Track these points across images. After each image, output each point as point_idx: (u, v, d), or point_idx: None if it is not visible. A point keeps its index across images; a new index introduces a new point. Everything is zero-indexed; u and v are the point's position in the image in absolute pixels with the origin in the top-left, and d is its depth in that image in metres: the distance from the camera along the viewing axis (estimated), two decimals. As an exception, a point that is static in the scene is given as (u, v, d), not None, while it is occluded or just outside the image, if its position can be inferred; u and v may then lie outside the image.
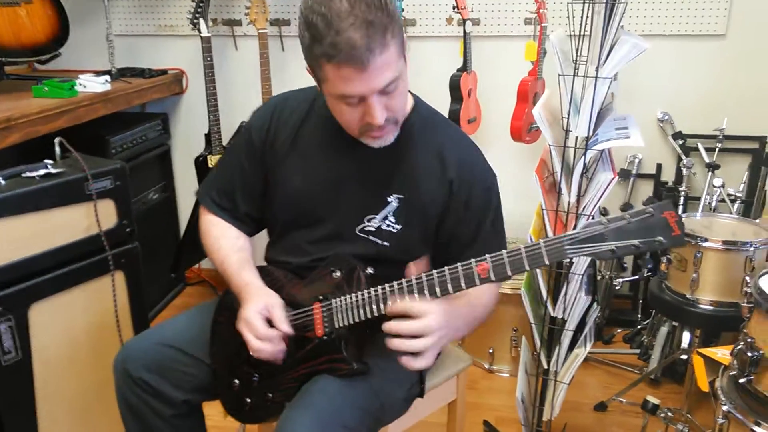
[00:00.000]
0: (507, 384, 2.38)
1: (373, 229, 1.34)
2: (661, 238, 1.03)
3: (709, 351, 1.54)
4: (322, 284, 1.31)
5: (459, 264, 1.15)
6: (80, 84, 2.26)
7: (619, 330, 2.68)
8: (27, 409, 1.65)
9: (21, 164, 1.69)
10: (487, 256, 1.12)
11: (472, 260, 1.13)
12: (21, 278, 1.61)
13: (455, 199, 1.34)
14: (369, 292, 1.23)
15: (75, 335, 1.75)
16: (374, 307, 1.22)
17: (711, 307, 1.93)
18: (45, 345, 1.67)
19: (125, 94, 2.44)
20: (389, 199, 1.33)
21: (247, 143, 1.41)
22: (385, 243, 1.34)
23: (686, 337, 2.21)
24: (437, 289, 1.16)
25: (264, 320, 1.27)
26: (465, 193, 1.33)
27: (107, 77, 2.36)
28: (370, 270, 1.29)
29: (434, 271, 1.17)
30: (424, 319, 1.15)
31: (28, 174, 1.67)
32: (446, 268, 1.16)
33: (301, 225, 1.40)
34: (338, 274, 1.29)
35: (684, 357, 2.17)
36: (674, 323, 2.32)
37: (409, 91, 1.32)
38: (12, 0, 2.21)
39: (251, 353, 1.27)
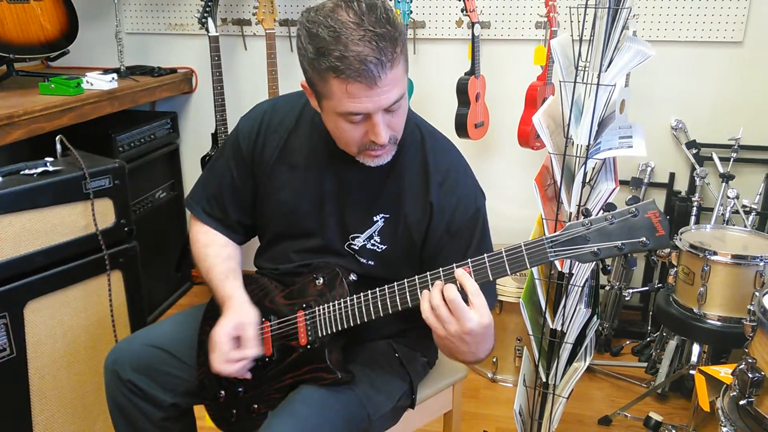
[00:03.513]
0: (510, 394, 2.34)
1: (357, 247, 1.32)
2: (644, 238, 0.99)
3: (712, 369, 1.49)
4: (305, 292, 1.29)
5: (441, 269, 1.12)
6: (87, 81, 2.27)
7: (628, 342, 2.63)
8: (21, 407, 1.65)
9: (26, 161, 1.69)
10: (469, 260, 1.10)
11: (454, 265, 1.11)
12: (17, 276, 1.61)
13: (435, 223, 1.29)
14: (352, 300, 1.21)
15: (71, 334, 1.75)
16: (357, 314, 1.20)
17: (719, 323, 1.87)
18: (40, 343, 1.68)
19: (132, 93, 2.45)
20: (375, 218, 1.31)
21: (236, 151, 1.39)
22: (370, 262, 1.32)
23: (695, 351, 2.15)
24: (419, 294, 1.14)
25: (232, 342, 1.26)
26: (446, 217, 1.29)
27: (114, 75, 2.37)
28: (353, 276, 1.27)
29: (416, 277, 1.15)
30: (475, 313, 1.07)
31: (27, 171, 1.67)
32: (428, 273, 1.13)
33: (290, 236, 1.38)
34: (321, 281, 1.27)
35: (692, 372, 2.10)
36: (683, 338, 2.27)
37: None
38: (22, -3, 2.23)
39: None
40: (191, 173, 2.97)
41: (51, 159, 1.75)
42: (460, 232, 1.29)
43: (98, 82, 2.29)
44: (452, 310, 1.07)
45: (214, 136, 2.65)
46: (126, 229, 1.85)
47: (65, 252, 1.71)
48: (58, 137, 1.80)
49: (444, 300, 1.08)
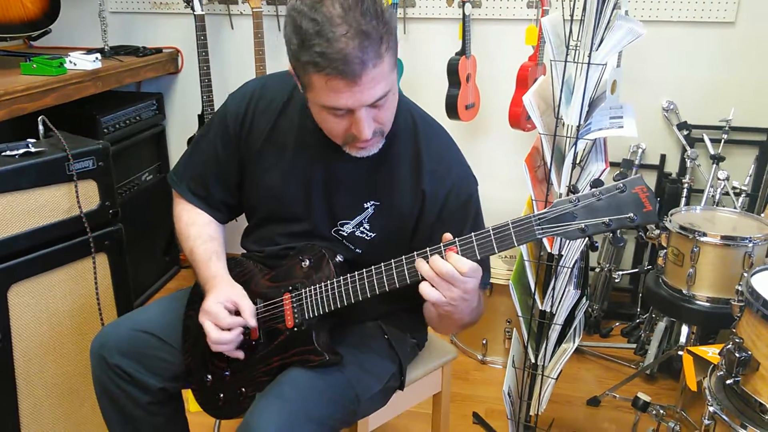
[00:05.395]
0: (499, 376, 2.35)
1: (346, 234, 1.31)
2: (632, 214, 0.98)
3: (700, 349, 1.49)
4: (291, 274, 1.28)
5: (428, 249, 1.11)
6: (70, 61, 2.23)
7: (618, 323, 2.64)
8: (7, 391, 1.63)
9: (8, 142, 1.65)
10: (456, 239, 1.09)
11: (441, 244, 1.10)
12: (0, 258, 1.59)
13: (428, 211, 1.28)
14: (339, 281, 1.20)
15: (56, 318, 1.73)
16: (344, 296, 1.19)
17: (707, 304, 1.87)
18: (25, 327, 1.65)
19: (116, 73, 2.40)
20: (365, 205, 1.29)
21: (222, 130, 1.36)
22: (358, 250, 1.31)
23: (684, 332, 2.16)
24: (406, 274, 1.13)
25: (226, 311, 1.25)
26: (438, 205, 1.27)
27: (98, 55, 2.32)
28: (339, 258, 1.25)
29: (403, 257, 1.14)
30: (468, 277, 1.07)
31: (8, 152, 1.63)
32: (415, 252, 1.12)
33: (276, 220, 1.37)
34: (307, 263, 1.26)
35: (680, 353, 2.11)
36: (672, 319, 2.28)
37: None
38: (1, -26, 2.17)
39: (210, 346, 1.25)
40: (178, 155, 2.87)
41: (33, 140, 1.71)
42: (452, 219, 1.27)
43: (81, 62, 2.25)
44: (450, 281, 1.07)
45: (201, 117, 2.61)
46: (111, 211, 1.82)
47: (49, 234, 1.68)
48: (40, 118, 1.76)
49: (436, 272, 1.07)
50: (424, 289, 1.09)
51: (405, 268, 1.13)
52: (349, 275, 1.19)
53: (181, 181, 1.43)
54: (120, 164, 2.46)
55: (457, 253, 1.07)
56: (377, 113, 1.13)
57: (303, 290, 1.24)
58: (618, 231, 1.01)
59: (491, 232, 1.07)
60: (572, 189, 1.01)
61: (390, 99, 1.14)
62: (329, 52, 1.02)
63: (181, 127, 2.92)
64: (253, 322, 1.26)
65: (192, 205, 1.42)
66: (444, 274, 1.06)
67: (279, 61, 2.67)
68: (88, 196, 1.75)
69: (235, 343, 1.26)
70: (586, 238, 1.03)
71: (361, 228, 1.30)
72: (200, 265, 1.34)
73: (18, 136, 1.73)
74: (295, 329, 1.24)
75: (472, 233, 1.08)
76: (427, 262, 1.08)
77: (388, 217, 1.29)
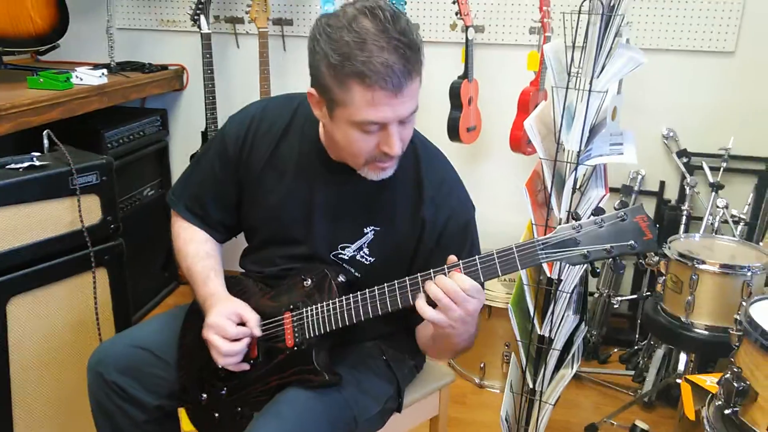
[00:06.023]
0: (497, 400, 2.33)
1: (346, 257, 1.31)
2: (632, 242, 1.01)
3: (698, 378, 1.49)
4: (292, 293, 1.28)
5: (432, 270, 1.11)
6: (76, 76, 2.24)
7: (616, 350, 2.63)
8: (2, 403, 1.63)
9: (13, 155, 1.67)
10: (461, 261, 1.09)
11: (445, 266, 1.10)
12: (0, 271, 1.59)
13: (427, 237, 1.29)
14: (341, 301, 1.20)
15: (54, 331, 1.73)
16: (346, 316, 1.19)
17: (706, 332, 1.87)
18: (23, 340, 1.65)
19: (122, 89, 2.42)
20: (365, 230, 1.30)
21: (222, 153, 1.37)
22: (357, 274, 1.31)
23: (682, 360, 2.16)
24: (409, 296, 1.13)
25: (233, 323, 1.24)
26: (438, 231, 1.28)
27: (104, 70, 2.34)
28: (342, 278, 1.25)
29: (407, 278, 1.14)
30: (471, 297, 1.08)
31: (13, 165, 1.65)
32: (419, 274, 1.12)
33: (276, 242, 1.37)
34: (309, 282, 1.26)
35: (679, 381, 2.11)
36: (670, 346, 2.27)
37: None
38: (11, -11, 2.20)
39: (217, 360, 1.24)
40: (180, 171, 2.89)
41: (38, 153, 1.72)
42: (450, 244, 1.28)
43: (88, 77, 2.27)
44: (453, 298, 1.07)
45: (204, 134, 2.63)
46: (112, 226, 1.82)
47: (50, 248, 1.68)
48: (45, 132, 1.78)
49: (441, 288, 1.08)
50: (425, 309, 1.09)
51: (408, 289, 1.13)
52: (351, 295, 1.19)
53: (179, 200, 1.44)
54: (122, 179, 2.46)
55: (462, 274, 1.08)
56: (402, 131, 1.15)
57: (304, 309, 1.24)
58: (618, 257, 1.02)
59: (495, 255, 1.08)
60: (574, 216, 1.03)
61: (414, 118, 1.16)
62: (376, 63, 1.04)
63: (184, 144, 2.93)
64: (258, 332, 1.25)
65: (189, 223, 1.42)
66: (449, 291, 1.06)
67: (284, 81, 2.70)
68: (90, 210, 1.76)
69: (242, 354, 1.25)
70: (587, 264, 1.04)
71: (361, 252, 1.30)
72: (198, 282, 1.34)
73: (23, 149, 1.74)
74: (295, 348, 1.24)
75: (476, 256, 1.08)
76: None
77: (387, 242, 1.30)
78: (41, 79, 2.13)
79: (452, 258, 1.11)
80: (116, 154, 2.41)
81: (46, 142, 1.78)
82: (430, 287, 1.09)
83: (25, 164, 1.65)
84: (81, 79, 2.26)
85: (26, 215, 1.62)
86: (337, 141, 1.18)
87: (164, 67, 2.76)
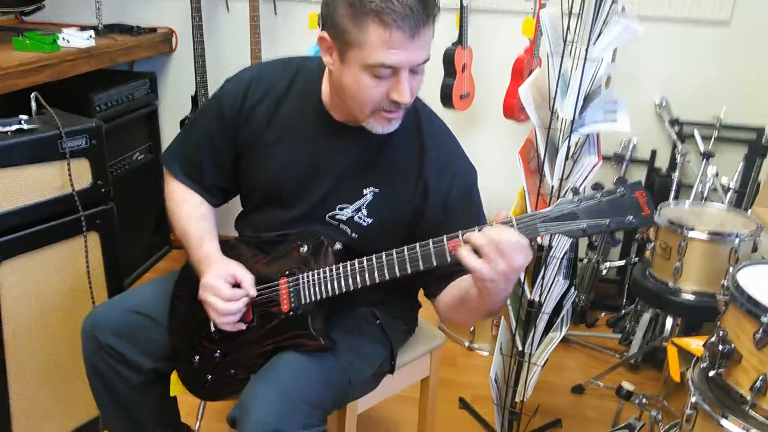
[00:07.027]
0: (486, 362, 2.38)
1: (344, 218, 1.31)
2: (631, 217, 1.02)
3: (684, 341, 1.52)
4: (288, 259, 1.28)
5: (430, 240, 1.11)
6: (63, 38, 2.20)
7: (603, 314, 2.68)
8: (-4, 369, 1.64)
9: (-1, 118, 1.64)
10: (459, 232, 1.09)
11: (444, 236, 1.10)
12: (-10, 235, 1.58)
13: (432, 203, 1.29)
14: (338, 269, 1.20)
15: (47, 296, 1.72)
16: (343, 283, 1.20)
17: (693, 297, 1.91)
18: (15, 305, 1.65)
19: (110, 51, 2.38)
20: (365, 191, 1.29)
21: (219, 116, 1.36)
22: (354, 235, 1.31)
23: (669, 324, 2.20)
24: (408, 266, 1.14)
25: (229, 284, 1.25)
26: (443, 196, 1.28)
27: (92, 32, 2.30)
28: (338, 245, 1.26)
29: (405, 248, 1.14)
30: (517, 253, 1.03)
31: (1, 129, 1.62)
32: (417, 244, 1.13)
33: (274, 205, 1.36)
34: (305, 248, 1.27)
35: (664, 344, 2.15)
36: (657, 310, 2.31)
37: None
38: (-6, -54, 2.14)
39: (215, 320, 1.25)
40: (170, 136, 2.89)
41: (25, 117, 1.69)
42: (457, 209, 1.29)
43: (75, 40, 2.22)
44: (501, 249, 1.01)
45: (194, 98, 2.60)
46: (103, 190, 1.81)
47: (40, 212, 1.67)
48: (33, 94, 1.74)
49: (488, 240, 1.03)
50: (469, 258, 1.03)
51: (407, 257, 1.13)
52: (348, 262, 1.19)
53: (174, 161, 1.43)
54: (111, 143, 2.43)
55: (460, 245, 1.07)
56: (411, 81, 1.14)
57: (300, 275, 1.25)
58: (615, 232, 1.04)
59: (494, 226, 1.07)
60: (573, 190, 1.04)
61: (423, 69, 1.15)
62: (396, 2, 1.04)
63: (173, 108, 2.90)
64: (254, 292, 1.26)
65: (184, 184, 1.42)
66: (495, 241, 1.01)
67: (275, 46, 2.66)
68: (80, 174, 1.74)
69: (240, 315, 1.26)
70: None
71: (359, 213, 1.30)
72: (193, 244, 1.34)
73: (9, 112, 1.71)
74: (291, 313, 1.25)
75: (476, 227, 1.07)
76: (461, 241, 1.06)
77: (386, 204, 1.30)
78: (27, 41, 2.09)
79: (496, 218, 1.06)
80: (105, 117, 2.38)
81: (33, 105, 1.75)
82: (478, 238, 1.03)
83: (13, 127, 1.62)
84: (68, 42, 2.21)
85: (15, 179, 1.60)
86: (346, 88, 1.16)
87: (153, 30, 2.71)
